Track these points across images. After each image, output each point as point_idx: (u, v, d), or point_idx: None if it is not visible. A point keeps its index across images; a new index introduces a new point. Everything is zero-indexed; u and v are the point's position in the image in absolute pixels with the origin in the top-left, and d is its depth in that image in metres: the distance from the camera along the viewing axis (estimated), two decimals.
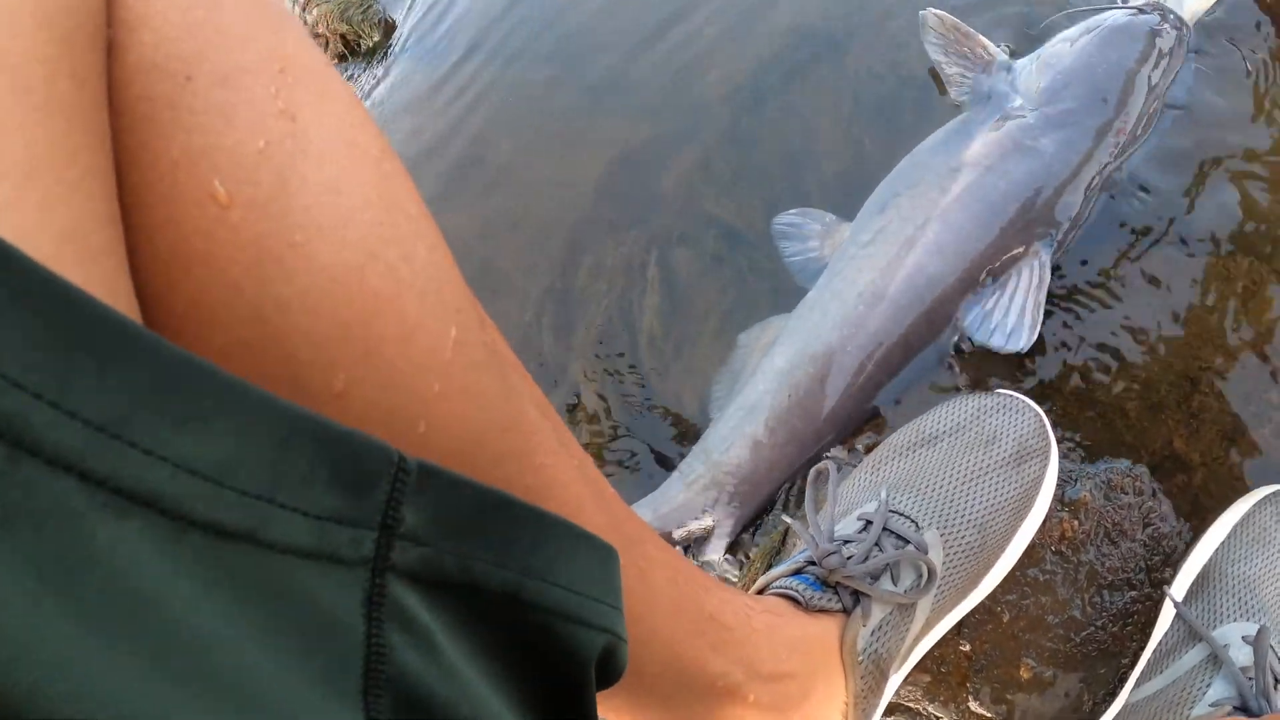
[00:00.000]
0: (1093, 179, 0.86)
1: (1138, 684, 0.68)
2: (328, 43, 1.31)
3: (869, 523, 0.66)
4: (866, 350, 0.81)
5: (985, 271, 0.83)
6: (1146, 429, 0.79)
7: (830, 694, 0.58)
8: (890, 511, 0.67)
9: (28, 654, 0.17)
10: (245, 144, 0.30)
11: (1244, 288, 0.83)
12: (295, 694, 0.23)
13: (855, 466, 0.78)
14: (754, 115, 1.03)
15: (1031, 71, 0.92)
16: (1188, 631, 0.67)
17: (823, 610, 0.59)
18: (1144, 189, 0.88)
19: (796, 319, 0.85)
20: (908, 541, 0.65)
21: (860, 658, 0.58)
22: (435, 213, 0.37)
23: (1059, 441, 0.76)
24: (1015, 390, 0.78)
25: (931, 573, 0.64)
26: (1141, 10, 0.94)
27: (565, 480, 0.41)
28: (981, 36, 0.95)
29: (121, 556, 0.19)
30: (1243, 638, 0.65)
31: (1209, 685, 0.63)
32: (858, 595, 0.60)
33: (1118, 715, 0.68)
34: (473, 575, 0.29)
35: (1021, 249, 0.83)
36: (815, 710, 0.57)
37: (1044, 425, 0.74)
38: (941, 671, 0.73)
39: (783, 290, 0.90)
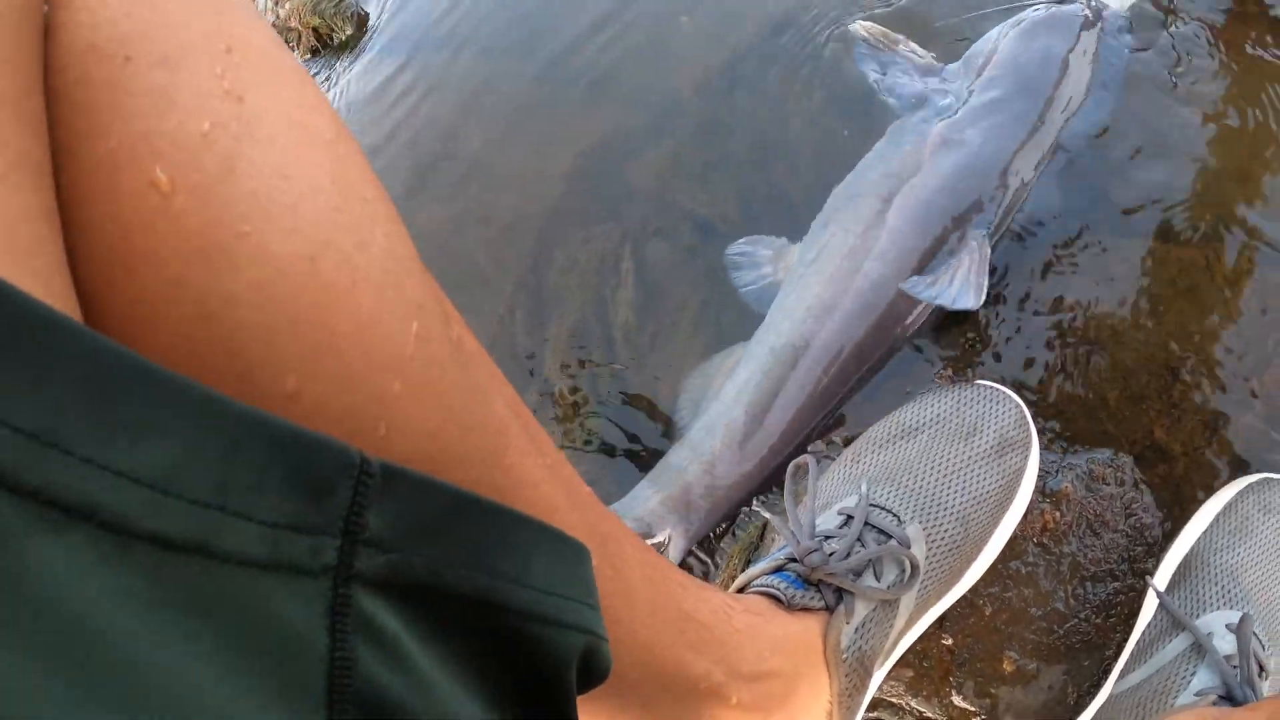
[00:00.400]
0: (1022, 163, 0.88)
1: (1122, 675, 0.69)
2: (300, 36, 1.29)
3: (850, 517, 0.65)
4: (820, 363, 0.81)
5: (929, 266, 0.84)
6: (1128, 419, 0.79)
7: (814, 693, 0.57)
8: (871, 505, 0.66)
9: None
10: (187, 126, 0.28)
11: (1222, 277, 0.84)
12: (249, 717, 0.21)
13: (834, 459, 0.77)
14: (726, 104, 1.03)
15: (959, 70, 0.96)
16: (1171, 621, 0.67)
17: (805, 609, 0.58)
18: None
19: (754, 341, 0.85)
20: (890, 536, 0.64)
21: (844, 656, 0.57)
22: (406, 208, 0.36)
23: (1040, 432, 0.76)
24: (995, 382, 0.77)
25: (915, 568, 0.63)
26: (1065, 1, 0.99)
27: (536, 480, 0.40)
28: (911, 42, 0.99)
29: (56, 575, 0.18)
30: (1226, 626, 0.66)
31: (1193, 674, 0.63)
32: (840, 592, 0.59)
33: (1102, 707, 0.68)
34: (442, 580, 0.27)
35: (959, 239, 0.84)
36: (799, 710, 0.56)
37: (1025, 416, 0.74)
38: (924, 666, 0.73)
39: None
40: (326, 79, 1.26)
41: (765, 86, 1.03)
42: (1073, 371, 0.81)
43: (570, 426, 0.89)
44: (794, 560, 0.60)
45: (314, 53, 1.30)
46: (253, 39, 0.31)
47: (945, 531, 0.68)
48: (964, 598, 0.73)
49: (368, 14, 1.29)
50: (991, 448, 0.72)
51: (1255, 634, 0.66)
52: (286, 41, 1.28)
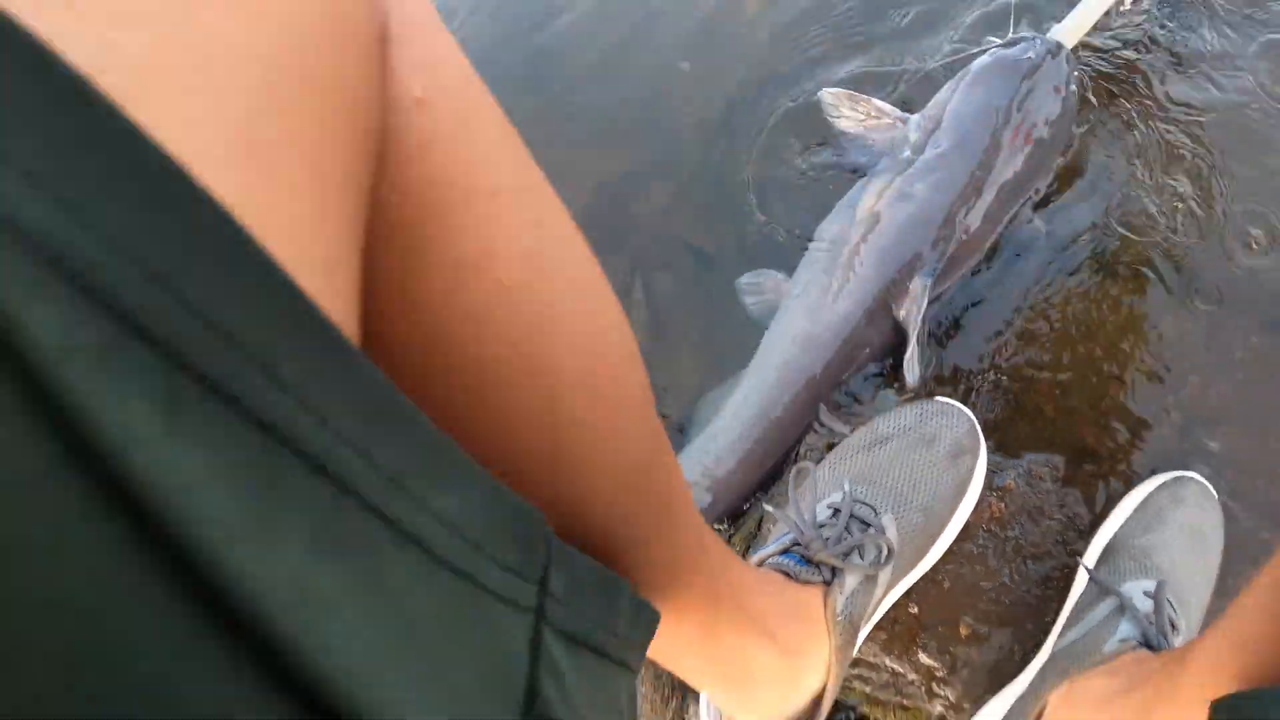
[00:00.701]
0: (968, 214, 0.98)
1: (1060, 635, 0.82)
2: None
3: (838, 510, 0.79)
4: (798, 385, 0.94)
5: (887, 304, 0.95)
6: (1063, 427, 0.93)
7: (818, 646, 0.71)
8: (854, 500, 0.81)
9: (351, 653, 0.21)
10: (516, 243, 0.36)
11: (1146, 306, 0.98)
12: (488, 706, 0.28)
13: (818, 462, 0.91)
14: (723, 147, 1.16)
15: (918, 122, 1.04)
16: (1098, 591, 0.81)
17: (808, 582, 0.72)
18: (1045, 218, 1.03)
19: (750, 367, 0.97)
20: (869, 525, 0.79)
21: (839, 618, 0.72)
22: None
23: (989, 438, 0.90)
24: (951, 398, 0.92)
25: (890, 550, 0.78)
26: (1013, 43, 1.05)
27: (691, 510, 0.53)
28: (875, 100, 1.07)
29: (399, 580, 0.24)
30: (1144, 592, 0.79)
31: (1117, 629, 0.77)
32: (834, 570, 0.73)
33: (1045, 663, 0.82)
34: (592, 637, 0.35)
35: (909, 284, 0.95)
36: (810, 656, 0.70)
37: (975, 427, 0.88)
38: (895, 630, 0.86)
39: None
40: None
41: (755, 131, 1.16)
42: (1016, 387, 0.95)
43: None
44: (797, 545, 0.75)
45: None
46: (538, 178, 0.40)
47: (911, 520, 0.83)
48: (927, 574, 0.87)
49: None
50: (948, 453, 0.87)
51: (1168, 599, 0.80)
52: None
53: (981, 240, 1.00)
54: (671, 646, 0.60)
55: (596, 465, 0.42)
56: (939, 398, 0.91)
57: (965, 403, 0.90)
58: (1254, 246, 1.00)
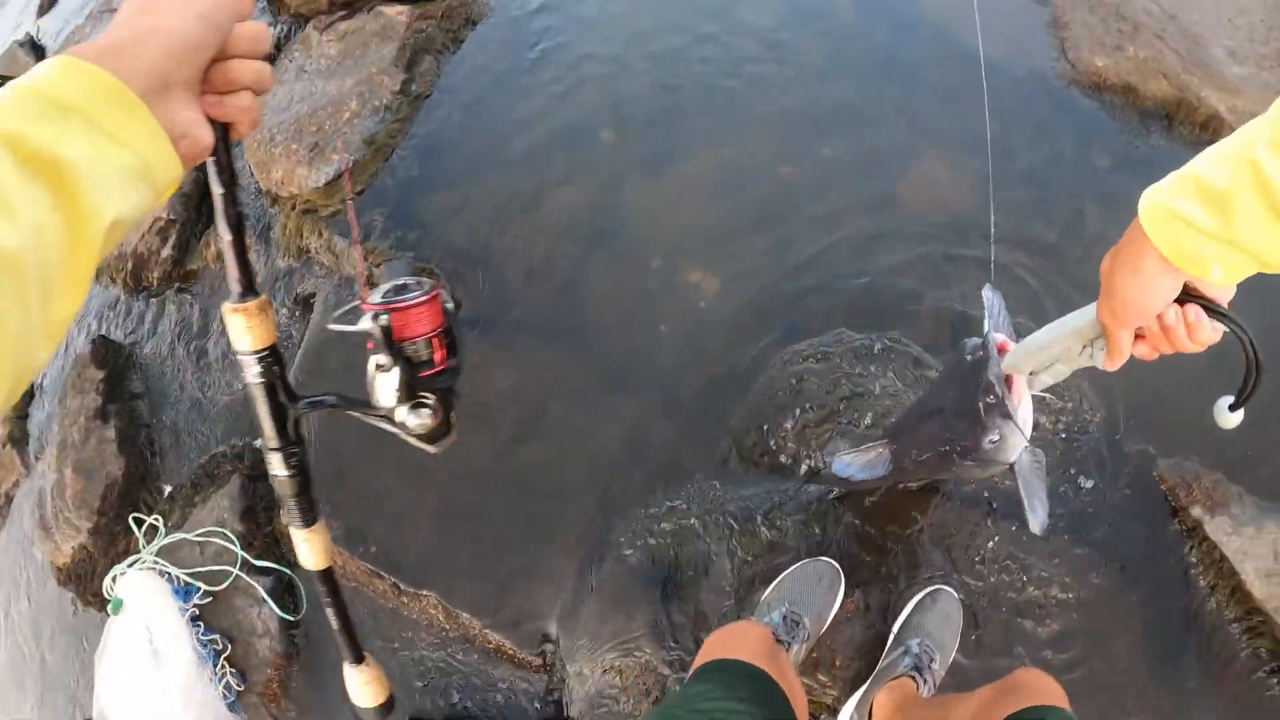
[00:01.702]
0: None
1: (881, 663, 1.81)
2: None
3: (785, 615, 1.77)
4: None
5: None
6: (884, 567, 1.94)
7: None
8: (791, 610, 1.79)
9: None
10: None
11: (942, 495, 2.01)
12: None
13: (767, 585, 1.89)
14: (711, 415, 2.16)
15: None
16: (896, 643, 1.81)
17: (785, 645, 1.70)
18: None
19: None
20: (799, 623, 1.77)
21: (796, 662, 1.70)
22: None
23: (845, 575, 1.90)
24: (828, 556, 1.92)
25: (809, 633, 1.76)
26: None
27: None
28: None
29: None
30: (917, 644, 1.79)
31: (904, 662, 1.76)
32: (788, 644, 1.72)
33: (872, 677, 1.80)
34: None
35: None
36: None
37: (838, 571, 1.88)
38: (807, 663, 1.84)
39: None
40: None
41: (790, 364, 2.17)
42: (862, 545, 1.96)
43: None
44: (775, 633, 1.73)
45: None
46: None
47: (819, 626, 1.81)
48: (820, 638, 1.86)
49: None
50: (830, 584, 1.86)
51: (928, 648, 1.80)
52: None
53: None
54: None
55: None
56: (822, 557, 1.91)
57: (829, 555, 1.91)
58: None
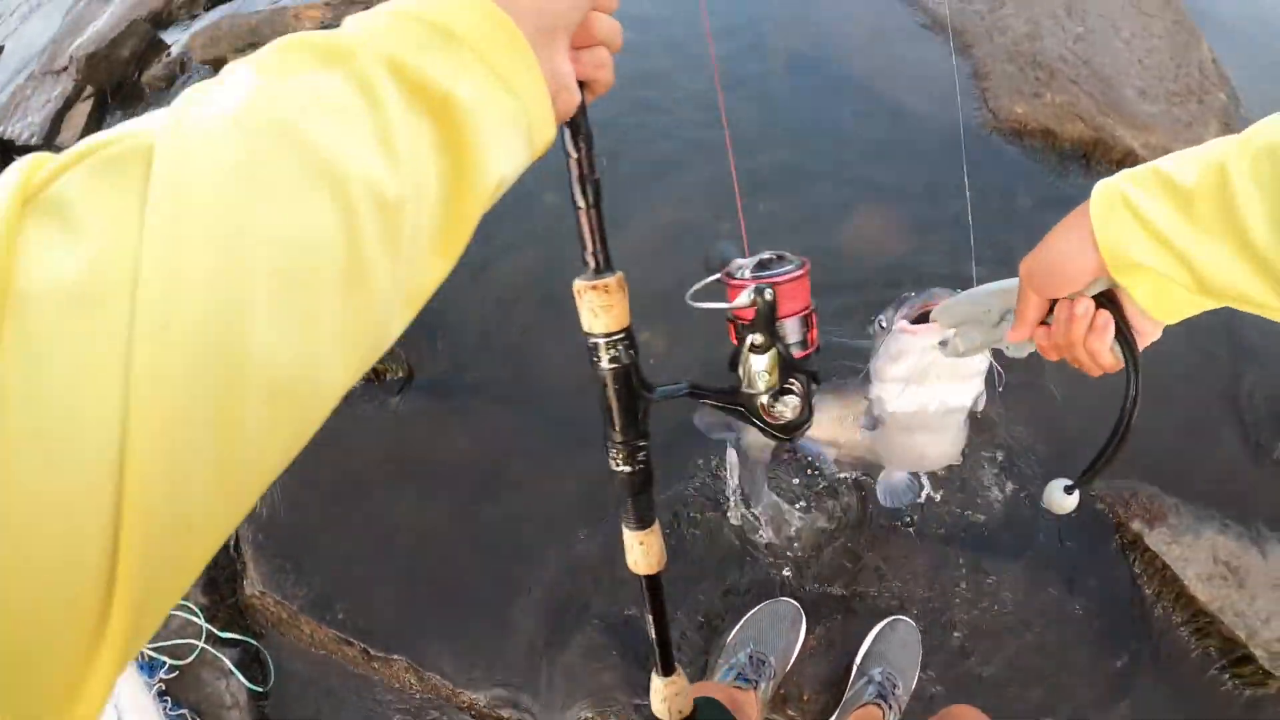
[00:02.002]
0: None
1: (848, 692, 1.86)
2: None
3: (750, 656, 1.82)
4: None
5: None
6: (857, 597, 2.00)
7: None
8: (756, 650, 1.83)
9: None
10: None
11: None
12: None
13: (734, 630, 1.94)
14: None
15: None
16: (860, 673, 1.87)
17: (748, 688, 1.74)
18: None
19: None
20: (764, 662, 1.81)
21: (763, 700, 1.74)
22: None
23: (807, 614, 1.95)
24: (788, 596, 1.97)
25: (777, 673, 1.81)
26: None
27: None
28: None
29: None
30: (879, 672, 1.84)
31: (869, 690, 1.81)
32: (755, 683, 1.76)
33: (841, 706, 1.85)
34: None
35: None
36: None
37: (800, 609, 1.93)
38: (780, 694, 1.88)
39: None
40: (378, 405, 2.34)
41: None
42: (827, 585, 2.02)
43: None
44: (738, 675, 1.77)
45: (368, 381, 2.35)
46: None
47: (784, 664, 1.86)
48: (787, 673, 1.90)
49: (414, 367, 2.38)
50: (790, 623, 1.91)
51: (890, 675, 1.86)
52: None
53: None
54: None
55: None
56: (784, 598, 1.96)
57: (790, 595, 1.96)
58: None
